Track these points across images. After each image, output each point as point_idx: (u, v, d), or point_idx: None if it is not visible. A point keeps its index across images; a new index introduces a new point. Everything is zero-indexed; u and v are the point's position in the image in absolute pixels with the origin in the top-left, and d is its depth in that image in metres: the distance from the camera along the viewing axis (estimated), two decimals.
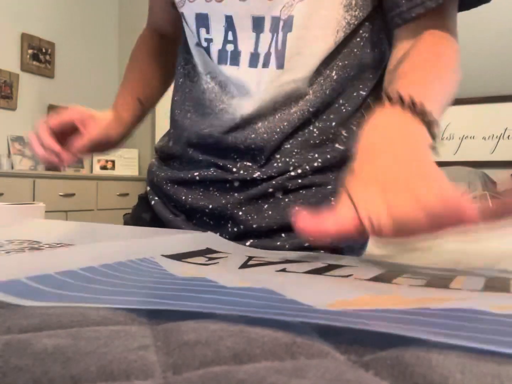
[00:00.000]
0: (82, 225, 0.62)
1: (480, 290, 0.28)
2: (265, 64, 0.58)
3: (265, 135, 0.60)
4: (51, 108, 3.39)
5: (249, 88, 0.59)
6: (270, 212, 0.59)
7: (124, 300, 0.24)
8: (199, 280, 0.29)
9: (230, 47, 0.60)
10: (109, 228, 0.59)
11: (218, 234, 0.55)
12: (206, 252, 0.42)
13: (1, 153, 3.13)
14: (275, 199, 0.60)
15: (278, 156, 0.60)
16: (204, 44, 0.62)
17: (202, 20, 0.62)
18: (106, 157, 3.75)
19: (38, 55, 3.43)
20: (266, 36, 0.58)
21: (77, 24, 3.69)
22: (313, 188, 0.60)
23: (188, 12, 0.63)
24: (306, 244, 0.58)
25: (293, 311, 0.22)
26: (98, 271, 0.31)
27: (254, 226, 0.59)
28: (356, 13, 0.58)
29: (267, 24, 0.58)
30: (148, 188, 0.72)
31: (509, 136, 3.37)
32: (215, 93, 0.63)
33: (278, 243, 0.58)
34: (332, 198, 0.60)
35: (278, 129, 0.60)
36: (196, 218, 0.63)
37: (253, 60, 0.59)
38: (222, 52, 0.61)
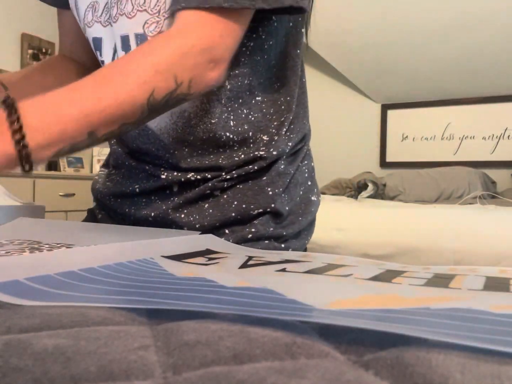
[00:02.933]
0: (82, 225, 0.62)
1: (480, 290, 0.28)
2: None
3: (176, 151, 0.62)
4: None
5: None
6: (211, 211, 0.62)
7: (124, 300, 0.24)
8: (199, 280, 0.29)
9: None
10: (109, 228, 0.59)
11: None
12: (206, 252, 0.42)
13: None
14: (214, 197, 0.62)
15: (207, 168, 0.62)
16: (102, 65, 0.65)
17: (98, 44, 0.64)
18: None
19: (38, 55, 3.43)
20: None
21: None
22: (250, 181, 0.62)
23: (89, 37, 0.65)
24: (249, 236, 0.61)
25: (293, 311, 0.22)
26: (98, 271, 0.31)
27: (197, 226, 0.61)
28: None
29: (132, 42, 0.59)
30: (95, 204, 0.75)
31: (509, 136, 3.37)
32: None
33: (223, 238, 0.60)
34: (269, 189, 0.62)
35: (186, 143, 0.62)
36: None
37: None
38: None
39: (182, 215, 0.62)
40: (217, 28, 0.51)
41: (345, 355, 0.18)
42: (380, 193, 3.11)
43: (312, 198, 0.69)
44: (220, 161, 0.62)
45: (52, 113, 0.45)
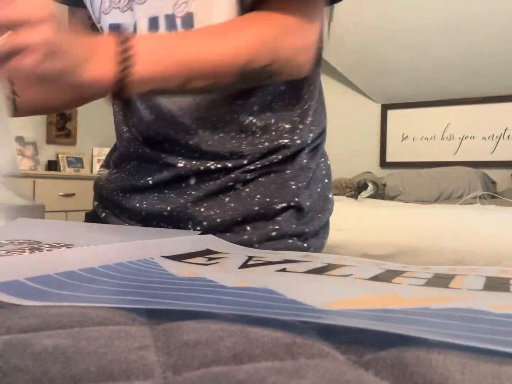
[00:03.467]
0: (82, 225, 0.62)
1: (480, 290, 0.28)
2: None
3: (198, 132, 0.60)
4: None
5: None
6: (232, 204, 0.59)
7: (124, 300, 0.24)
8: (199, 280, 0.29)
9: None
10: (109, 228, 0.59)
11: None
12: (206, 252, 0.42)
13: None
14: (235, 190, 0.60)
15: (227, 154, 0.60)
16: None
17: (115, 31, 0.62)
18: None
19: None
20: None
21: None
22: (272, 174, 0.61)
23: (105, 24, 0.64)
24: (273, 234, 0.59)
25: (293, 311, 0.22)
26: (98, 271, 0.31)
27: (218, 220, 0.59)
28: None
29: (162, 23, 0.58)
30: (96, 203, 0.71)
31: (509, 136, 3.37)
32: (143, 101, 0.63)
33: (245, 236, 0.58)
34: (292, 183, 0.60)
35: (208, 124, 0.60)
36: (153, 225, 0.63)
37: None
38: None
39: (202, 209, 0.59)
40: (310, 15, 0.54)
41: (345, 355, 0.18)
42: (380, 193, 3.12)
43: (329, 195, 0.68)
44: (243, 147, 0.60)
45: (159, 53, 0.48)
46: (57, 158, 3.57)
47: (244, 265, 0.36)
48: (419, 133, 3.66)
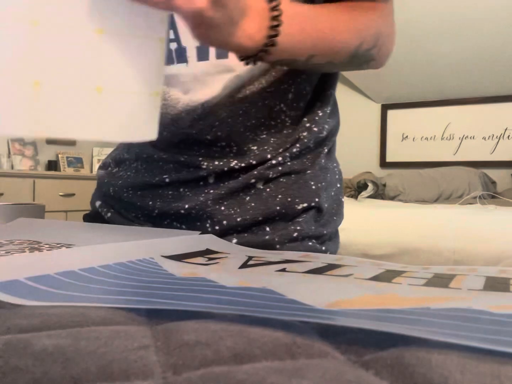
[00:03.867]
0: (82, 225, 0.62)
1: (480, 290, 0.28)
2: (219, 55, 0.57)
3: (229, 119, 0.58)
4: None
5: (202, 80, 0.58)
6: (253, 204, 0.58)
7: (124, 300, 0.24)
8: (199, 280, 0.29)
9: (173, 45, 0.59)
10: (109, 228, 0.59)
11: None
12: (206, 252, 0.42)
13: (1, 153, 3.13)
14: (256, 190, 0.59)
15: (254, 147, 0.59)
16: None
17: None
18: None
19: None
20: None
21: None
22: (293, 175, 0.60)
23: None
24: (295, 235, 0.58)
25: (293, 311, 0.22)
26: (98, 271, 0.31)
27: (238, 219, 0.58)
28: None
29: None
30: (99, 203, 0.68)
31: (509, 136, 3.37)
32: (169, 97, 0.61)
33: (267, 237, 0.57)
34: (312, 183, 0.60)
35: (240, 111, 0.58)
36: (164, 225, 0.61)
37: (202, 54, 0.58)
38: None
39: (223, 207, 0.58)
40: (390, 6, 0.58)
41: (345, 355, 0.18)
42: (380, 193, 3.12)
43: (342, 199, 0.69)
44: (271, 140, 0.59)
45: (297, 24, 0.48)
46: (57, 158, 3.57)
47: (244, 265, 0.36)
48: (419, 133, 3.66)
